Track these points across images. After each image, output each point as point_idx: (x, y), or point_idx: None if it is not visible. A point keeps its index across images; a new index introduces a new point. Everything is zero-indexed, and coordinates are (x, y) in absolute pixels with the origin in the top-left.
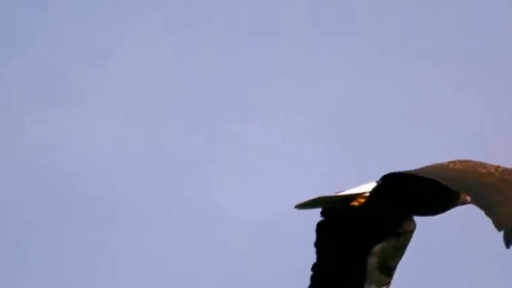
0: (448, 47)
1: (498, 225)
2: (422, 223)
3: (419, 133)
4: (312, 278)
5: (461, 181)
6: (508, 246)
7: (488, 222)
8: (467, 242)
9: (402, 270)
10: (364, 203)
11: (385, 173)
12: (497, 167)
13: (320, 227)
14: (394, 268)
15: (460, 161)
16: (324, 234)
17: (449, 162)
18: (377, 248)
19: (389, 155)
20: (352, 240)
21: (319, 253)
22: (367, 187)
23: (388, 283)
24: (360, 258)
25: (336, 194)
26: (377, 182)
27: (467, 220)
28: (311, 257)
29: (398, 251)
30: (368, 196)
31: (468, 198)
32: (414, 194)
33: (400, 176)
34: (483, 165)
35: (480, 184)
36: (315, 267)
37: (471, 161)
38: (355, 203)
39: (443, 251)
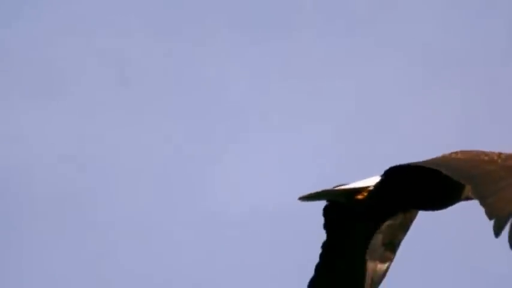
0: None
1: (490, 215)
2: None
3: (420, 129)
4: (321, 256)
5: (463, 170)
6: (496, 235)
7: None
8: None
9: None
10: (368, 197)
11: (388, 166)
12: (500, 154)
13: (327, 210)
14: (398, 244)
15: (462, 152)
16: (331, 216)
17: (452, 152)
18: (383, 225)
19: (391, 152)
20: (359, 219)
21: (326, 233)
22: (371, 181)
23: (392, 259)
24: (365, 235)
25: (340, 188)
26: (381, 176)
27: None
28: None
29: (404, 228)
30: (372, 190)
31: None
32: (417, 189)
33: (404, 169)
34: (485, 153)
35: (481, 173)
36: (323, 246)
37: (474, 151)
38: (359, 197)
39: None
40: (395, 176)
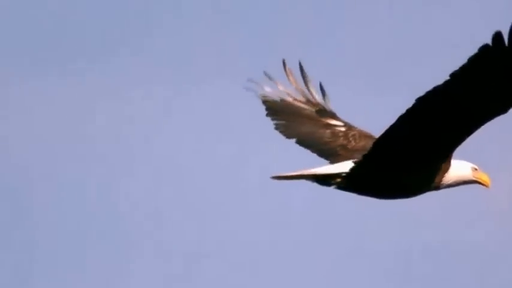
0: None
1: None
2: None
3: None
4: None
5: None
6: None
7: None
8: None
9: None
10: (343, 182)
11: None
12: None
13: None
14: None
15: None
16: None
17: None
18: None
19: None
20: None
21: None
22: (344, 167)
23: None
24: None
25: (315, 173)
26: (353, 161)
27: None
28: None
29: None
30: (345, 177)
31: (443, 183)
32: (389, 176)
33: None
34: None
35: None
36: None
37: None
38: (337, 180)
39: None
40: (367, 163)
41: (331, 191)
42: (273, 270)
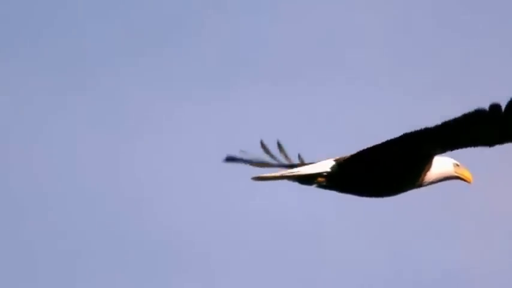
0: None
1: None
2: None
3: None
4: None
5: None
6: None
7: None
8: None
9: None
10: (325, 182)
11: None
12: None
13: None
14: None
15: None
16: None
17: None
18: None
19: None
20: None
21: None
22: (325, 166)
23: None
24: None
25: (297, 173)
26: (335, 160)
27: None
28: None
29: None
30: (327, 176)
31: (426, 181)
32: (372, 174)
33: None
34: None
35: None
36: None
37: None
38: (319, 180)
39: None
40: (349, 164)
41: (329, 192)
42: (272, 270)
